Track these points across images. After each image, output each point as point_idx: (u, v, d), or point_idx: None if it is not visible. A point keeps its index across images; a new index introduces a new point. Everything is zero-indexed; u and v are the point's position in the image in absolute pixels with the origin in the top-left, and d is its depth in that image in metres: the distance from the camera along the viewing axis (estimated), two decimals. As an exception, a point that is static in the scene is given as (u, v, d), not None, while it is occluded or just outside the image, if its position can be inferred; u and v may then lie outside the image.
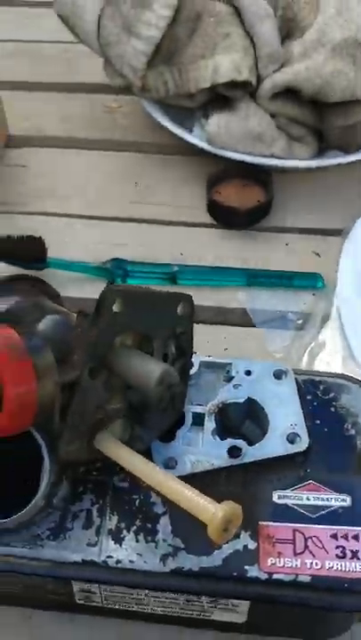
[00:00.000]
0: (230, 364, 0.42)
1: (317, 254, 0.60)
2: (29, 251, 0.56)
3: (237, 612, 0.38)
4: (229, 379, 0.41)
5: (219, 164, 0.63)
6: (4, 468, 0.35)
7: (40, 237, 0.56)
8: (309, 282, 0.58)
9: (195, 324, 0.38)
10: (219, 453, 0.38)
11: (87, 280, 0.58)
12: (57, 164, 0.68)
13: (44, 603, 0.41)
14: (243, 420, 0.41)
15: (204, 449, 0.38)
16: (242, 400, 0.40)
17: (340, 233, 0.61)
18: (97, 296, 0.55)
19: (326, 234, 0.62)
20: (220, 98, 0.63)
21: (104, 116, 0.73)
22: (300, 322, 0.55)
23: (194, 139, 0.62)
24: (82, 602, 0.39)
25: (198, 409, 0.40)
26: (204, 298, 0.56)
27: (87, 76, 0.76)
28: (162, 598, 0.36)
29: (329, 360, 0.51)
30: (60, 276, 0.58)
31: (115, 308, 0.33)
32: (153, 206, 0.64)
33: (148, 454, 0.37)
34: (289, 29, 0.61)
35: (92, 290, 0.57)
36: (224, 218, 0.62)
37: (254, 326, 0.55)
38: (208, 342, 0.53)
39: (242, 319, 0.56)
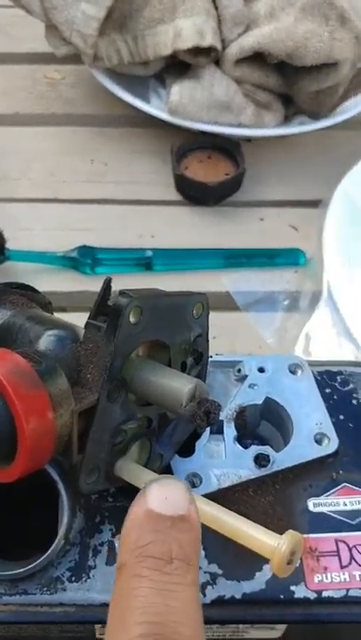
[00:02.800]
0: (241, 361, 0.38)
1: (295, 228, 0.57)
2: None
3: (275, 628, 0.35)
4: (242, 378, 0.38)
5: (182, 135, 0.58)
6: (10, 507, 0.31)
7: None
8: (291, 259, 0.55)
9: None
10: (245, 463, 0.34)
11: (53, 271, 0.53)
12: (2, 144, 0.62)
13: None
14: (259, 422, 0.38)
15: (228, 460, 0.35)
16: (260, 401, 0.37)
17: (317, 204, 0.58)
18: (66, 288, 0.52)
19: (302, 205, 0.59)
20: (178, 64, 0.58)
21: (47, 88, 0.66)
22: (286, 302, 0.52)
23: (155, 110, 0.58)
24: (102, 636, 0.35)
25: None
26: (182, 284, 0.53)
27: (23, 43, 0.69)
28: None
29: (326, 342, 0.48)
30: (23, 268, 0.53)
31: (131, 318, 0.28)
32: (114, 185, 0.60)
33: (167, 471, 0.33)
34: (250, -13, 0.57)
35: (59, 281, 0.53)
36: (194, 194, 0.58)
37: (240, 310, 0.52)
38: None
39: (226, 303, 0.52)
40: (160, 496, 0.23)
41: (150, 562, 0.21)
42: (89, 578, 0.31)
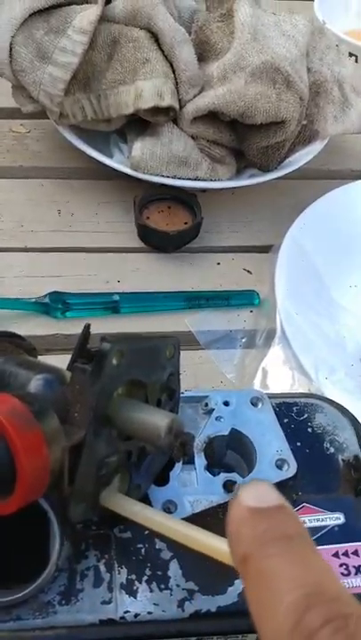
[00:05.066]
0: (208, 396, 0.42)
1: (249, 271, 0.62)
2: None
3: (248, 638, 0.38)
4: (209, 411, 0.41)
5: (143, 186, 0.63)
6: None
7: None
8: (246, 300, 0.59)
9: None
10: (214, 489, 0.38)
11: (26, 316, 0.56)
12: None
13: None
14: (225, 451, 0.41)
15: (199, 487, 0.38)
16: (226, 432, 0.41)
17: (268, 249, 0.63)
18: (39, 332, 0.55)
19: (255, 250, 0.63)
20: (138, 121, 0.63)
21: (14, 141, 0.70)
22: (243, 340, 0.57)
23: (118, 165, 0.62)
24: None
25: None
26: (148, 325, 0.57)
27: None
28: None
29: (281, 376, 0.53)
30: None
31: (114, 361, 0.32)
32: (81, 234, 0.63)
33: (145, 500, 0.37)
34: (203, 52, 0.62)
35: (32, 326, 0.55)
36: (156, 242, 0.62)
37: (202, 348, 0.56)
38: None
39: (189, 342, 0.56)
40: (253, 495, 0.23)
41: (275, 543, 0.22)
42: (78, 600, 0.34)
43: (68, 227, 0.63)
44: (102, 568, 0.35)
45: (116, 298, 0.57)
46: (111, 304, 0.57)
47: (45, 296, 0.56)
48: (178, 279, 0.60)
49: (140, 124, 0.63)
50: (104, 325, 0.56)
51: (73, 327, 0.56)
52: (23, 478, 0.28)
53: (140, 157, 0.60)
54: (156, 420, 0.32)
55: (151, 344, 0.35)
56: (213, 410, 0.41)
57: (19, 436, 0.28)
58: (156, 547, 0.36)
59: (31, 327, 0.55)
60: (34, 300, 0.56)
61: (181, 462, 0.39)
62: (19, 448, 0.28)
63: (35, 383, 0.32)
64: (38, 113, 0.63)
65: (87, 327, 0.35)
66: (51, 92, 0.60)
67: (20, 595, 0.32)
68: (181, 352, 0.55)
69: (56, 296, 0.56)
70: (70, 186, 0.67)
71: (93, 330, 0.51)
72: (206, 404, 0.42)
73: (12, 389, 0.33)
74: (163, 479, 0.38)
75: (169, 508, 0.37)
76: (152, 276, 0.60)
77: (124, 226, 0.64)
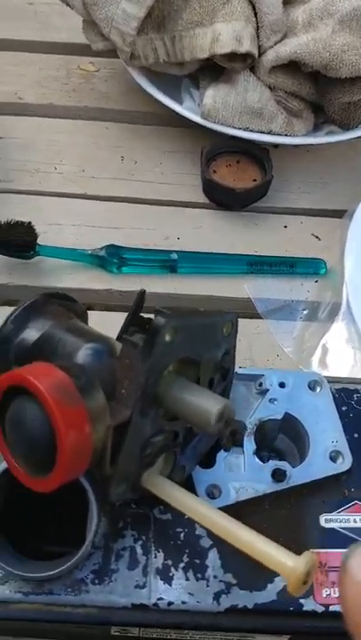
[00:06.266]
0: (263, 375, 0.39)
1: (317, 237, 0.58)
2: (18, 237, 0.51)
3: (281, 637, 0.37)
4: (263, 392, 0.39)
5: (213, 137, 0.59)
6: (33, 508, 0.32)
7: (29, 223, 0.52)
8: (312, 268, 0.56)
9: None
10: (262, 477, 0.36)
11: (80, 268, 0.54)
12: (34, 135, 0.62)
13: (74, 636, 0.38)
14: (276, 435, 0.39)
15: (246, 473, 0.36)
16: (279, 416, 0.38)
17: (341, 215, 0.59)
18: (93, 286, 0.53)
19: (326, 215, 0.59)
20: (212, 66, 0.58)
21: (81, 80, 0.67)
22: (305, 312, 0.53)
23: (187, 112, 0.58)
24: (117, 633, 0.37)
25: (236, 426, 0.37)
26: (205, 287, 0.54)
27: (59, 33, 0.70)
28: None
29: (342, 355, 0.50)
30: (52, 264, 0.54)
31: (167, 337, 0.30)
32: (142, 184, 0.60)
33: (188, 481, 0.35)
34: (290, -6, 0.57)
35: (86, 279, 0.54)
36: (221, 198, 0.58)
37: (260, 317, 0.53)
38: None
39: (247, 309, 0.53)
40: None
41: None
42: (111, 581, 0.33)
43: (130, 175, 0.60)
44: (139, 550, 0.33)
45: (175, 257, 0.54)
46: (169, 262, 0.54)
47: (102, 249, 0.54)
48: (241, 240, 0.57)
49: (215, 69, 0.58)
50: (159, 284, 0.54)
51: (128, 283, 0.53)
52: (63, 456, 0.27)
53: (212, 106, 0.56)
54: (208, 405, 0.30)
55: (207, 320, 0.33)
56: (268, 390, 0.39)
57: (61, 412, 0.27)
58: (196, 532, 0.34)
59: (85, 280, 0.53)
60: (90, 251, 0.54)
61: (230, 444, 0.37)
62: (60, 425, 0.27)
63: (83, 353, 0.30)
64: (108, 52, 0.60)
65: (142, 294, 0.33)
66: (123, 30, 0.56)
67: (55, 571, 0.31)
68: (238, 319, 0.53)
69: (113, 249, 0.54)
70: (136, 131, 0.63)
71: (148, 288, 0.50)
72: (261, 384, 0.39)
73: (58, 357, 0.31)
74: (208, 461, 0.36)
75: (213, 492, 0.35)
76: (214, 234, 0.57)
77: (189, 178, 0.60)
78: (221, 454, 0.36)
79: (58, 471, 0.27)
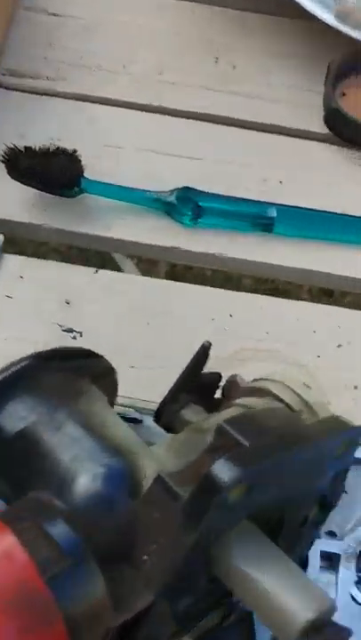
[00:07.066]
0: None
1: None
2: (57, 171, 0.39)
3: None
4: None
5: (346, 48, 0.44)
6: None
7: (74, 152, 0.39)
8: None
9: None
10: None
11: (140, 214, 0.42)
12: (100, 16, 0.48)
13: None
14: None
15: (339, 615, 0.22)
16: None
17: None
18: (154, 240, 0.41)
19: None
20: None
21: None
22: None
23: (315, 5, 0.44)
24: None
25: (331, 543, 0.24)
26: (309, 259, 0.42)
27: None
28: None
29: None
30: (100, 204, 0.41)
31: (231, 499, 0.16)
32: (241, 99, 0.47)
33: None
34: None
35: (146, 230, 0.42)
36: (347, 133, 0.45)
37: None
38: (315, 332, 0.39)
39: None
40: None
41: None
42: None
43: (223, 85, 0.47)
44: None
45: (273, 213, 0.41)
46: (263, 220, 0.41)
47: (172, 192, 0.41)
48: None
49: None
50: (246, 248, 0.41)
51: (203, 242, 0.41)
52: None
53: (353, 6, 0.43)
54: (293, 607, 0.17)
55: (308, 450, 0.19)
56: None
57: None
58: None
59: (147, 232, 0.42)
60: (155, 195, 0.41)
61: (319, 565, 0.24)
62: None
63: (85, 483, 0.17)
64: None
65: (206, 349, 0.20)
66: None
67: None
68: (340, 309, 0.41)
69: (187, 194, 0.42)
70: (236, 22, 0.49)
71: (226, 254, 0.36)
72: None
73: (46, 474, 0.17)
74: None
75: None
76: (333, 183, 0.44)
77: (307, 97, 0.46)
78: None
79: None
